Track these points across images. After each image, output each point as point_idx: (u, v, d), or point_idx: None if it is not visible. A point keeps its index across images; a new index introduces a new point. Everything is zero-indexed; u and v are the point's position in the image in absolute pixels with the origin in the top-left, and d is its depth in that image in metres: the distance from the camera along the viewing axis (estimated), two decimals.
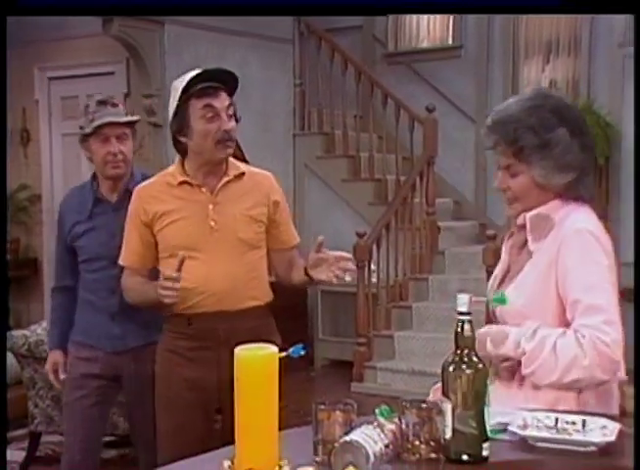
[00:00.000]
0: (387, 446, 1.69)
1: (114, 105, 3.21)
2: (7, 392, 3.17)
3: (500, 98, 7.94)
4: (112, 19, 6.36)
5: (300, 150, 8.04)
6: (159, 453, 2.84)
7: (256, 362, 1.61)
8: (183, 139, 2.81)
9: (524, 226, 2.31)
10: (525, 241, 2.31)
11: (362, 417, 1.82)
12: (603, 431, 1.88)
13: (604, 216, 7.41)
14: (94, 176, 3.31)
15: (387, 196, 7.55)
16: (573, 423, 1.93)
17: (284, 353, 1.69)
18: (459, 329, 1.79)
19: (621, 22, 7.31)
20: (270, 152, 7.74)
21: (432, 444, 1.75)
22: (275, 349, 1.63)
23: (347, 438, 1.66)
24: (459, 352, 1.78)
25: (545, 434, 1.88)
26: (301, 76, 8.04)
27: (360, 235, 6.62)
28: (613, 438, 1.84)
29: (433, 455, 1.75)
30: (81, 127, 3.21)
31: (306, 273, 2.84)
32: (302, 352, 1.79)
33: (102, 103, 3.18)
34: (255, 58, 7.60)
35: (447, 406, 1.74)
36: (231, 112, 2.81)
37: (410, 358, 6.63)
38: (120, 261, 2.93)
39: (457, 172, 8.03)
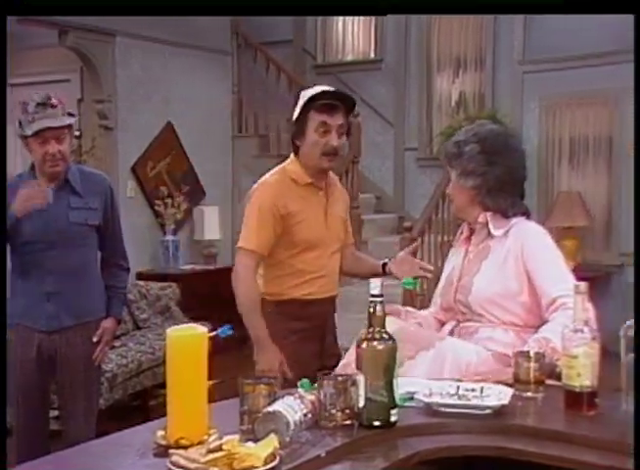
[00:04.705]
0: (306, 415, 1.68)
1: (53, 106, 3.04)
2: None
3: (416, 105, 8.04)
4: (67, 31, 6.23)
5: (239, 150, 7.98)
6: None
7: (187, 342, 1.59)
8: (297, 143, 2.87)
9: (484, 225, 2.44)
10: (485, 236, 2.43)
11: (285, 389, 1.81)
12: (498, 396, 1.90)
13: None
14: (32, 166, 3.16)
15: None
16: (473, 390, 1.95)
17: (212, 333, 1.66)
18: (371, 310, 1.79)
19: (520, 41, 7.44)
20: (212, 152, 7.70)
21: (346, 412, 1.75)
22: (204, 329, 1.60)
23: (270, 408, 1.65)
24: (371, 329, 1.78)
25: (447, 400, 1.90)
26: (239, 84, 7.98)
27: None
28: (506, 401, 1.87)
29: (347, 422, 1.75)
30: (20, 124, 3.05)
31: (383, 269, 2.93)
32: (230, 333, 1.76)
33: (41, 105, 3.01)
34: (198, 67, 7.51)
35: (360, 378, 1.74)
36: (343, 130, 2.85)
37: (339, 337, 6.59)
38: (252, 247, 2.82)
39: (378, 171, 8.06)
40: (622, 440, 1.68)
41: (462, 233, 2.57)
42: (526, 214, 2.48)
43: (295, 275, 2.86)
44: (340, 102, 2.82)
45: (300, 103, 2.84)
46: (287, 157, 8.54)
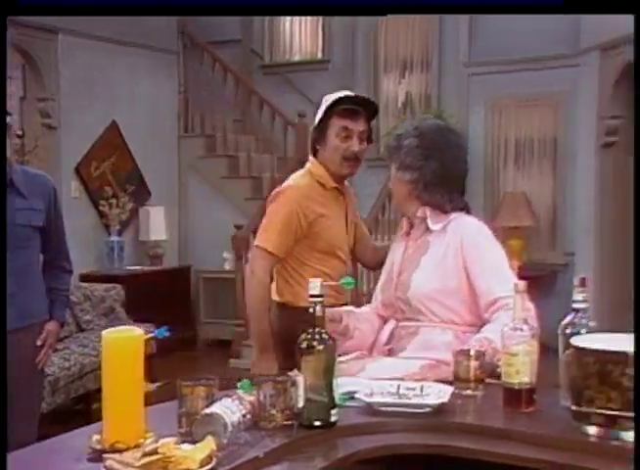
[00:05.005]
0: (245, 416, 1.67)
1: None
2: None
3: None
4: (7, 28, 6.09)
5: (185, 150, 7.92)
6: None
7: (122, 344, 1.56)
8: (318, 147, 2.83)
9: (422, 219, 2.43)
10: (424, 231, 2.42)
11: (224, 391, 1.80)
12: (438, 394, 1.91)
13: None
14: None
15: (262, 192, 7.51)
16: (413, 389, 1.96)
17: (149, 335, 1.64)
18: (311, 310, 1.78)
19: (465, 43, 7.53)
20: (157, 152, 7.63)
21: (286, 412, 1.74)
22: (140, 331, 1.58)
23: (208, 410, 1.63)
24: (311, 330, 1.77)
25: (388, 399, 1.90)
26: (185, 84, 7.93)
27: (238, 227, 6.60)
28: (445, 399, 1.88)
29: (287, 422, 1.74)
30: None
31: None
32: (167, 334, 1.74)
33: None
34: (143, 66, 7.44)
35: (300, 379, 1.73)
36: (364, 136, 2.82)
37: None
38: (271, 249, 2.75)
39: None
40: (559, 435, 1.71)
41: (402, 228, 2.55)
42: (466, 210, 2.46)
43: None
44: (362, 107, 2.78)
45: (322, 107, 2.79)
46: (233, 157, 8.52)
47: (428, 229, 2.42)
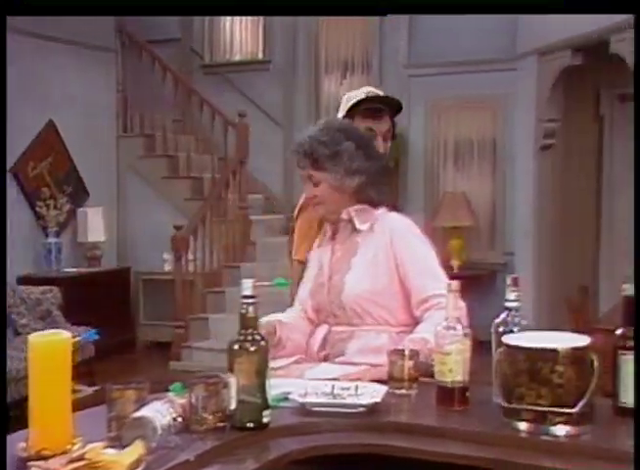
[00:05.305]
0: (175, 419, 1.65)
1: None
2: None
3: (304, 106, 8.08)
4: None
5: (124, 150, 7.82)
6: None
7: (49, 348, 1.53)
8: None
9: (348, 220, 2.38)
10: (350, 232, 2.38)
11: (154, 394, 1.77)
12: (372, 394, 1.92)
13: (395, 211, 7.69)
14: None
15: (203, 192, 7.48)
16: (348, 389, 1.96)
17: (76, 339, 1.61)
18: (244, 311, 1.77)
19: (405, 45, 7.60)
20: (96, 152, 7.52)
21: (218, 414, 1.72)
22: (68, 334, 1.55)
23: (137, 413, 1.60)
24: (244, 331, 1.76)
25: (322, 399, 1.90)
26: (124, 83, 7.82)
27: (178, 228, 6.55)
28: (379, 399, 1.88)
29: (219, 425, 1.72)
30: None
31: None
32: (95, 337, 1.71)
33: None
34: (80, 64, 7.32)
35: (232, 380, 1.72)
36: (388, 135, 2.74)
37: (224, 338, 6.40)
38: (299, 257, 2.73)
39: (267, 171, 8.06)
40: (491, 432, 1.73)
41: (325, 234, 2.49)
42: (395, 201, 2.47)
43: None
44: (386, 105, 2.71)
45: (344, 107, 2.71)
46: (173, 157, 8.44)
47: (355, 230, 2.39)
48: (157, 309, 7.41)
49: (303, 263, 2.69)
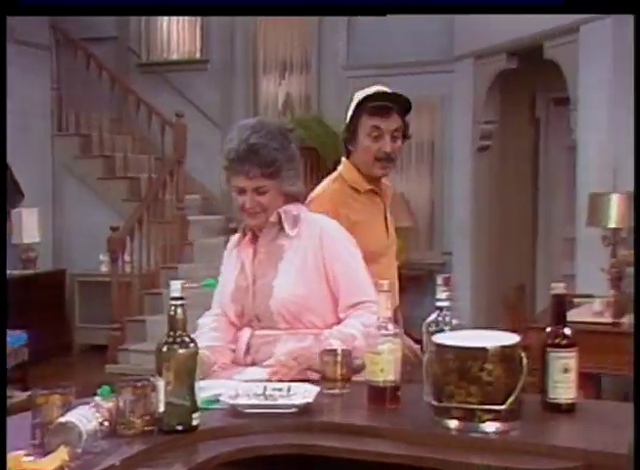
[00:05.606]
0: (102, 424, 1.62)
1: None
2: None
3: (243, 106, 8.04)
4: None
5: (59, 150, 7.69)
6: None
7: None
8: (350, 148, 2.66)
9: (275, 223, 2.30)
10: (275, 235, 2.31)
11: (83, 399, 1.74)
12: (304, 394, 1.92)
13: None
14: None
15: (140, 193, 7.39)
16: (280, 389, 1.96)
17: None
18: (172, 312, 1.75)
19: (344, 46, 7.63)
20: (30, 152, 7.37)
21: (146, 418, 1.70)
22: None
23: (62, 419, 1.57)
24: (172, 333, 1.74)
25: (253, 401, 1.89)
26: (59, 81, 7.69)
27: (114, 229, 6.45)
28: (311, 399, 1.88)
29: (147, 428, 1.70)
30: None
31: None
32: (23, 341, 1.67)
33: None
34: (13, 61, 7.14)
35: (160, 383, 1.70)
36: (398, 134, 2.65)
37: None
38: None
39: (205, 172, 7.98)
40: (421, 430, 1.74)
41: (244, 235, 2.39)
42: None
43: None
44: (394, 103, 2.63)
45: (352, 105, 2.64)
46: (109, 157, 8.33)
47: (280, 232, 2.31)
48: (93, 312, 7.30)
49: None
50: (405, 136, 2.70)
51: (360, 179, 2.68)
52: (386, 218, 2.76)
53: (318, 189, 2.70)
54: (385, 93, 2.68)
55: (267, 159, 2.22)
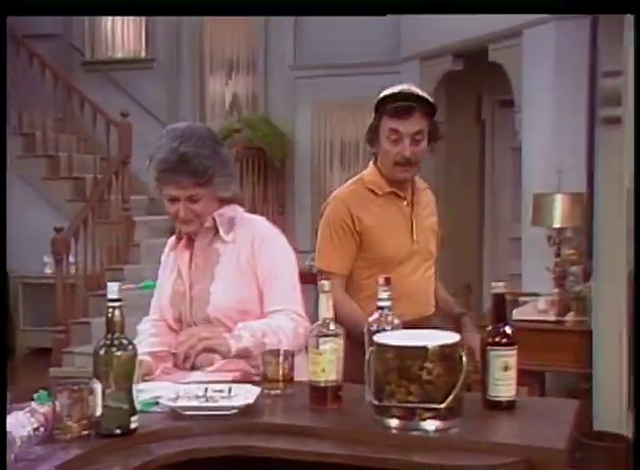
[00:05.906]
0: (37, 430, 1.59)
1: None
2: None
3: (189, 106, 7.99)
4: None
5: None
6: None
7: None
8: (372, 149, 2.59)
9: (210, 228, 2.28)
10: (211, 239, 2.29)
11: (20, 404, 1.71)
12: (246, 395, 1.91)
13: (282, 212, 7.72)
14: None
15: (85, 193, 7.28)
16: (221, 391, 1.95)
17: None
18: (110, 314, 1.73)
19: (291, 47, 7.64)
20: None
21: (83, 422, 1.68)
22: None
23: None
24: (110, 335, 1.72)
25: (193, 403, 1.88)
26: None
27: (58, 230, 6.34)
28: (252, 400, 1.88)
29: (84, 432, 1.68)
30: None
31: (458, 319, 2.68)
32: None
33: None
34: None
35: (98, 386, 1.67)
36: (420, 136, 2.52)
37: None
38: (330, 268, 2.51)
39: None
40: (362, 430, 1.75)
41: (180, 240, 2.37)
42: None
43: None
44: (416, 103, 2.49)
45: (375, 105, 2.54)
46: (53, 157, 8.18)
47: (215, 236, 2.29)
48: (37, 314, 7.18)
49: (338, 276, 2.51)
50: (434, 138, 2.60)
51: (381, 182, 2.60)
52: (412, 223, 2.63)
53: (335, 192, 2.67)
54: (403, 93, 2.54)
55: (199, 168, 2.18)
